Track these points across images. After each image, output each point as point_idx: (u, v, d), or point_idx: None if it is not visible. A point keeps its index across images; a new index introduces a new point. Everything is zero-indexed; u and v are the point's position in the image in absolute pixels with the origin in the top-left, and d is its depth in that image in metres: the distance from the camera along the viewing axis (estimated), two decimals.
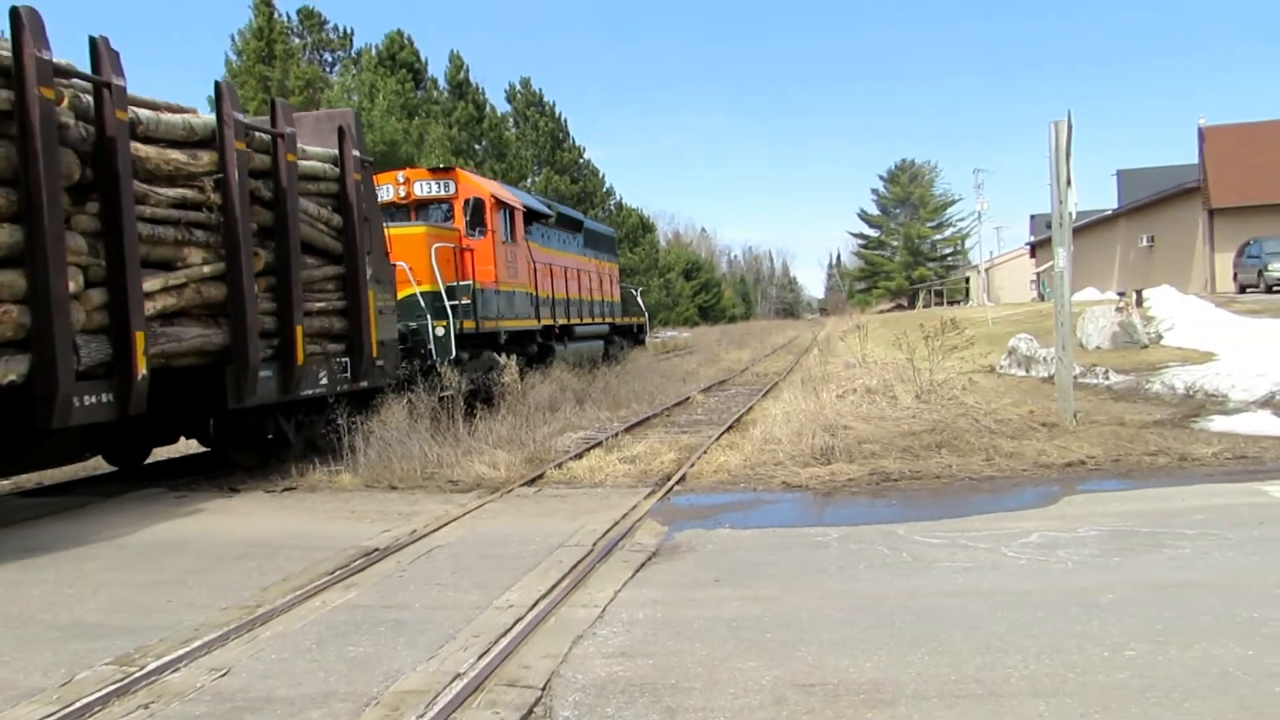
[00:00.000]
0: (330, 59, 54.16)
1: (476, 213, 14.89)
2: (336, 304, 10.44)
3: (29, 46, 6.72)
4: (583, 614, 4.73)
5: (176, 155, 8.30)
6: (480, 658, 4.14)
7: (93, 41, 7.55)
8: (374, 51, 49.81)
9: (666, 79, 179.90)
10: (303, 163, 9.88)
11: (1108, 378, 13.64)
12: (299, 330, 9.42)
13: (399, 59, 49.13)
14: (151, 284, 7.85)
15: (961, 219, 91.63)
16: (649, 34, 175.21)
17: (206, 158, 8.55)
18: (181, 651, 4.35)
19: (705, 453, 9.55)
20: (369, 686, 3.89)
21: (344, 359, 10.46)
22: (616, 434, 11.24)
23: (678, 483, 8.26)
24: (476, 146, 51.60)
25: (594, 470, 8.94)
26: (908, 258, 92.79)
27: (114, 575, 5.95)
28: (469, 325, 13.82)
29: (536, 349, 17.14)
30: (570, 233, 20.96)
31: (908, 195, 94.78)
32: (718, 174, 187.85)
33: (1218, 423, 9.60)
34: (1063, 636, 4.10)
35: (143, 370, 7.54)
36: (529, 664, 4.07)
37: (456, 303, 13.32)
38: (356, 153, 10.83)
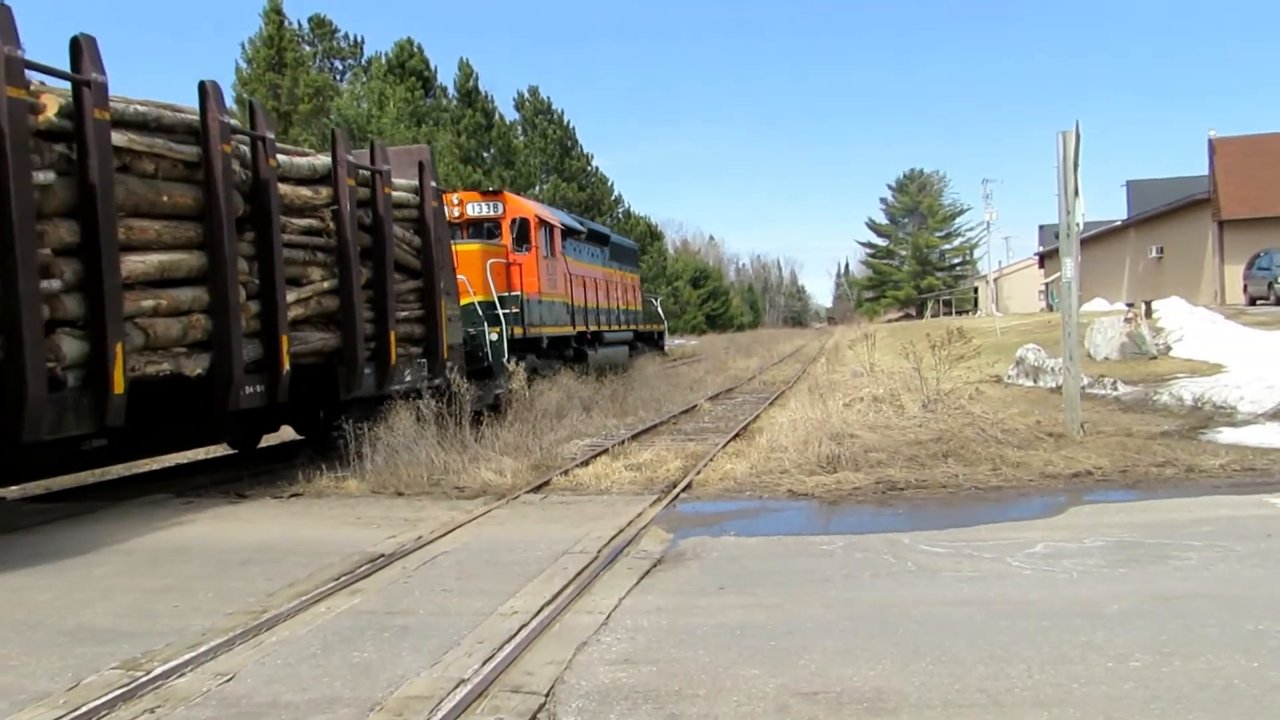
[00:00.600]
0: (341, 67, 54.42)
1: (522, 231, 16.65)
2: (416, 313, 12.11)
3: (213, 113, 8.58)
4: (587, 621, 4.74)
5: (305, 191, 10.10)
6: (484, 664, 4.16)
7: (251, 104, 9.97)
8: (384, 59, 50.02)
9: (674, 87, 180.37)
10: (394, 194, 11.56)
11: (1115, 388, 13.61)
12: (392, 335, 11.14)
13: (408, 67, 49.33)
14: (289, 297, 9.52)
15: (970, 229, 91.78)
16: (658, 42, 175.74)
17: (325, 192, 10.34)
18: (187, 656, 4.37)
19: (711, 460, 9.56)
20: (373, 692, 3.90)
21: (422, 360, 12.10)
22: (623, 441, 11.25)
23: (683, 490, 8.27)
24: (485, 154, 51.77)
25: (600, 477, 8.95)
26: (916, 267, 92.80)
27: (121, 580, 5.98)
28: (518, 331, 15.32)
29: (572, 353, 18.64)
30: (599, 246, 22.66)
31: (916, 205, 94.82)
32: (726, 182, 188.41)
33: (1226, 434, 9.58)
34: (1067, 647, 4.09)
35: (286, 367, 9.31)
36: (533, 670, 4.08)
37: (507, 311, 14.81)
38: (433, 183, 12.63)
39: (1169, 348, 18.80)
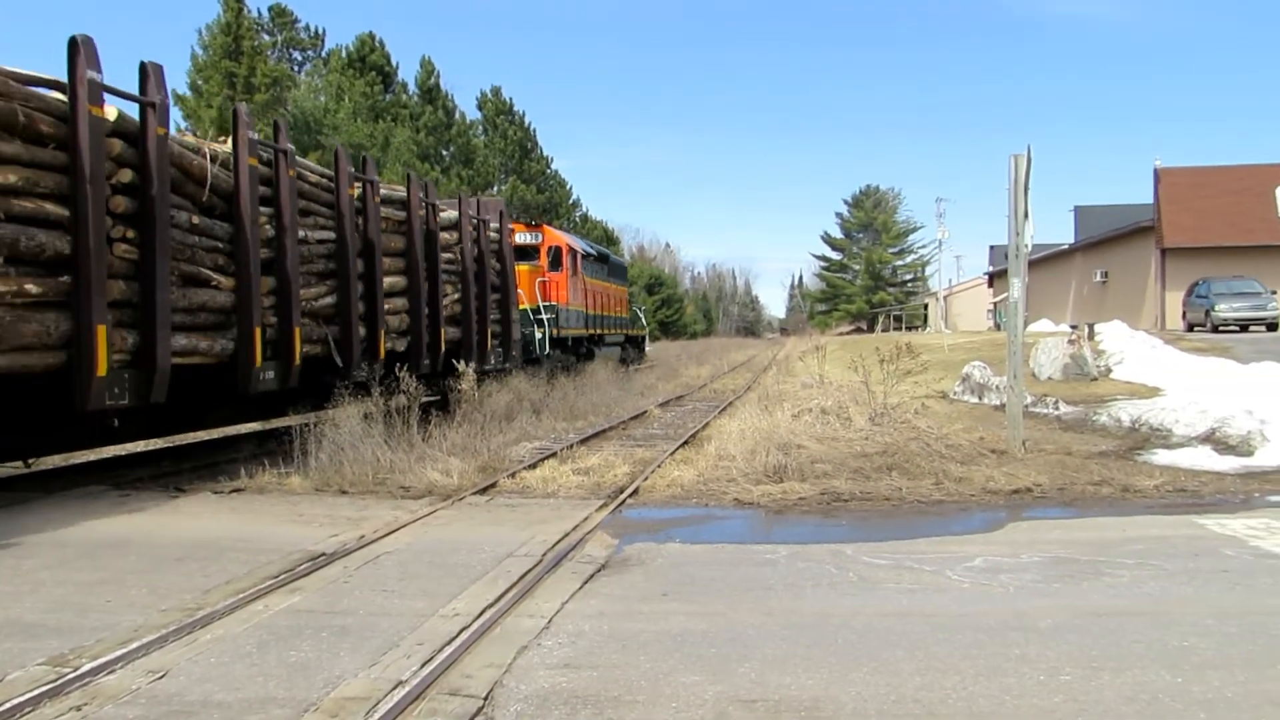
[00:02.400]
0: (300, 58, 53.77)
1: (556, 256, 21.80)
2: (497, 317, 16.94)
3: (414, 193, 13.50)
4: (529, 624, 4.72)
5: (446, 235, 14.85)
6: (423, 666, 4.12)
7: (426, 185, 14.38)
8: (344, 53, 49.50)
9: (635, 93, 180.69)
10: (490, 234, 16.71)
11: (1057, 408, 13.89)
12: (488, 331, 16.31)
13: (369, 61, 48.91)
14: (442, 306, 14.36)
15: (923, 246, 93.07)
16: (621, 47, 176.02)
17: (454, 235, 15.17)
18: (118, 653, 4.27)
19: (659, 467, 9.58)
20: (309, 692, 3.85)
21: (500, 349, 17.03)
22: (572, 445, 11.25)
23: (630, 496, 8.28)
24: (444, 152, 51.46)
25: (547, 481, 8.93)
26: (869, 282, 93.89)
27: (52, 574, 5.83)
28: (554, 332, 20.37)
29: (585, 349, 23.71)
30: (602, 265, 27.91)
31: (871, 220, 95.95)
32: (684, 190, 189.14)
33: (1160, 456, 9.81)
34: (1001, 659, 4.17)
35: (443, 348, 14.29)
36: (472, 673, 4.06)
37: (548, 317, 20.00)
38: (509, 226, 18.33)
39: (1110, 370, 19.24)
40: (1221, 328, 27.67)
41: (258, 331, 9.76)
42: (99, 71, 7.74)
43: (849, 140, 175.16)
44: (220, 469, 9.90)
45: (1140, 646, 4.30)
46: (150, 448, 11.99)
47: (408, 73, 53.29)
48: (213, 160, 9.37)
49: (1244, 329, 27.43)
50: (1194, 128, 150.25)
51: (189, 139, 9.82)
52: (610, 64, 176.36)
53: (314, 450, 9.46)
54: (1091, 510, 7.57)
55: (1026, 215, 10.05)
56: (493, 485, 8.83)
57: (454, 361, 13.85)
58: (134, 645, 4.37)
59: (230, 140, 9.74)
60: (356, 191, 11.96)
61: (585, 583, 5.53)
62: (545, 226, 22.68)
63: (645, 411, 16.03)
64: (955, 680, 3.92)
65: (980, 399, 15.84)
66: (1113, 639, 4.41)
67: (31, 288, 7.39)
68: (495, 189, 53.92)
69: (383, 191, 12.85)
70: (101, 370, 7.78)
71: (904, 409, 10.81)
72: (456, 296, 15.03)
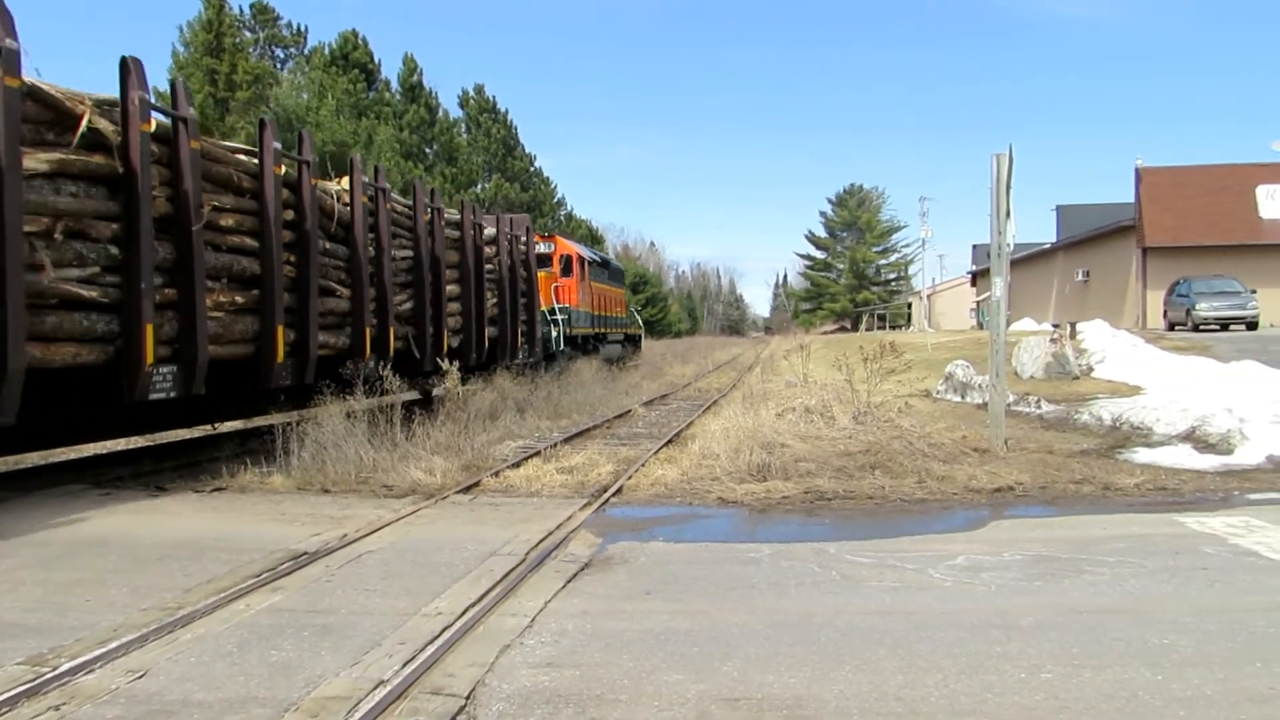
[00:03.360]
0: (283, 55, 53.43)
1: (567, 263, 24.35)
2: (524, 317, 19.55)
3: (467, 218, 16.30)
4: (511, 623, 4.71)
5: (488, 249, 17.47)
6: (405, 665, 4.11)
7: (470, 204, 17.30)
8: (327, 50, 49.26)
9: (619, 92, 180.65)
10: (520, 247, 19.50)
11: (1040, 407, 13.97)
12: (519, 330, 19.02)
13: (352, 59, 48.69)
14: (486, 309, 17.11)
15: (906, 245, 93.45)
16: (605, 46, 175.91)
17: (493, 249, 17.81)
18: (97, 652, 4.24)
19: (643, 466, 9.58)
20: (290, 692, 3.83)
21: (527, 345, 19.55)
22: (556, 444, 11.24)
23: (614, 495, 8.27)
24: (427, 150, 51.30)
25: (531, 479, 8.92)
26: (853, 281, 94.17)
27: (31, 573, 5.78)
28: (567, 331, 23.00)
29: (591, 346, 26.13)
30: (604, 270, 30.56)
31: (855, 219, 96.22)
32: (669, 188, 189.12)
33: (1141, 454, 9.88)
34: (982, 657, 4.19)
35: (486, 344, 16.88)
36: (454, 672, 4.04)
37: (562, 318, 22.64)
38: (536, 239, 21.61)
39: (1091, 369, 19.36)
40: (1202, 327, 27.90)
41: (367, 330, 12.28)
42: (278, 141, 10.51)
43: (833, 140, 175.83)
44: (202, 468, 9.84)
45: (1121, 644, 4.33)
46: (131, 446, 11.89)
47: (390, 70, 53.14)
48: (336, 199, 12.01)
49: (1224, 328, 27.66)
50: (1174, 127, 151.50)
51: (324, 184, 12.13)
52: (595, 63, 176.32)
53: (296, 449, 9.41)
54: (1073, 509, 7.61)
55: (1009, 214, 10.10)
56: (476, 484, 8.81)
57: (490, 354, 17.14)
58: (113, 645, 4.34)
59: (348, 181, 12.35)
60: (428, 217, 14.47)
61: (568, 582, 5.52)
62: (557, 237, 25.90)
63: (630, 410, 16.03)
64: (937, 678, 3.94)
65: (963, 398, 15.91)
66: (1093, 637, 4.44)
67: (239, 299, 9.90)
68: (479, 187, 53.81)
69: (445, 215, 15.55)
70: (280, 359, 10.36)
71: (887, 408, 10.84)
72: (494, 301, 17.73)
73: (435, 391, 12.34)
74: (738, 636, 4.51)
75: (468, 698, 3.76)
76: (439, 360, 13.63)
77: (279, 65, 51.78)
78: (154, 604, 5.05)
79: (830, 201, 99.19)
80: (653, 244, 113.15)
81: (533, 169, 61.56)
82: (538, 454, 10.33)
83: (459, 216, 16.07)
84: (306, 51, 52.21)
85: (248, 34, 50.03)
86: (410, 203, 14.31)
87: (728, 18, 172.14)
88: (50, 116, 7.84)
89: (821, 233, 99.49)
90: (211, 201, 9.40)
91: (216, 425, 12.31)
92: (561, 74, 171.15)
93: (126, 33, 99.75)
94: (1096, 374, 18.92)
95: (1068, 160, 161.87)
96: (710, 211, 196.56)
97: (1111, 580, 5.45)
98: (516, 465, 9.66)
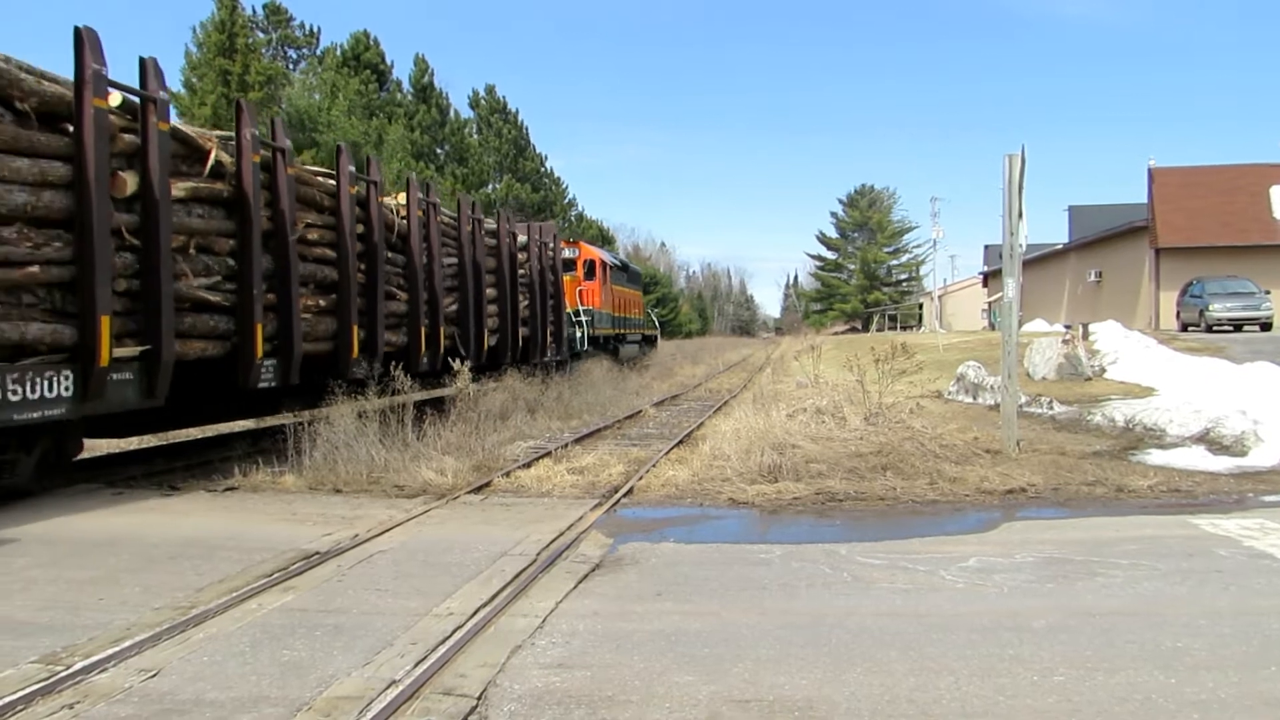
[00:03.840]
0: (295, 56, 53.57)
1: (590, 268, 25.84)
2: (552, 318, 20.80)
3: (503, 221, 17.84)
4: (522, 624, 4.72)
5: (521, 255, 18.99)
6: (417, 665, 4.11)
7: (506, 214, 19.07)
8: (339, 51, 49.39)
9: (629, 91, 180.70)
10: (549, 253, 20.88)
11: (1051, 408, 13.91)
12: (548, 330, 20.32)
13: (364, 59, 48.82)
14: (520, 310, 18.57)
15: (918, 246, 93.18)
16: (616, 45, 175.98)
17: (525, 255, 19.25)
18: (111, 651, 4.26)
19: (654, 466, 9.58)
20: (302, 691, 3.84)
21: (554, 345, 20.78)
22: (566, 444, 11.24)
23: (625, 495, 8.27)
24: (439, 150, 51.40)
25: (542, 480, 8.92)
26: (864, 281, 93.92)
27: (44, 572, 5.81)
28: (590, 331, 24.39)
29: (612, 346, 27.59)
30: (623, 273, 32.17)
31: (866, 220, 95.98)
32: (679, 189, 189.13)
33: (1154, 456, 9.83)
34: (994, 660, 4.17)
35: (520, 342, 18.29)
36: (466, 672, 4.05)
37: (586, 319, 24.06)
38: (560, 245, 22.65)
39: (1104, 370, 19.26)
40: (1215, 328, 27.72)
41: (421, 330, 13.82)
42: (353, 164, 12.13)
43: (844, 140, 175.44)
44: (214, 467, 9.88)
45: (1134, 647, 4.31)
46: (144, 445, 11.96)
47: (402, 71, 53.29)
48: (395, 213, 13.45)
49: (1238, 329, 27.48)
50: (1188, 127, 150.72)
51: (387, 200, 13.50)
52: (605, 63, 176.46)
53: (308, 449, 9.44)
54: (1085, 510, 7.58)
55: (1021, 215, 10.06)
56: (487, 484, 8.82)
57: (512, 354, 18.23)
58: (127, 644, 4.36)
59: (404, 197, 13.85)
60: (470, 227, 15.84)
61: (579, 582, 5.53)
62: (581, 243, 27.57)
63: (640, 411, 16.03)
64: (949, 681, 3.92)
65: (975, 399, 15.85)
66: (1106, 639, 4.42)
67: (321, 302, 11.46)
68: (490, 188, 53.88)
69: (484, 225, 17.00)
70: (355, 354, 11.93)
71: (899, 409, 10.82)
72: (526, 303, 19.05)
73: (448, 391, 12.91)
74: (749, 638, 4.51)
75: (479, 698, 3.77)
76: (481, 357, 15.86)
77: (291, 66, 51.94)
78: (166, 603, 5.07)
79: (841, 202, 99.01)
80: (663, 244, 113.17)
81: (543, 169, 61.60)
82: (548, 454, 10.34)
83: (495, 225, 17.56)
84: (319, 52, 52.37)
85: (260, 34, 50.21)
86: (455, 214, 15.83)
87: (739, 17, 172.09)
88: (185, 152, 9.36)
89: (832, 233, 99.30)
90: (302, 219, 11.01)
91: (261, 420, 13.09)
92: (571, 74, 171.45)
93: (135, 30, 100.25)
94: (1109, 375, 18.82)
95: (1080, 161, 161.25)
96: (721, 212, 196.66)
97: (1124, 582, 5.43)
98: (527, 466, 9.67)
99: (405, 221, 13.55)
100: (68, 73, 8.00)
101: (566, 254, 24.04)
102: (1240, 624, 4.62)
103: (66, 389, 7.79)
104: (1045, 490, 8.22)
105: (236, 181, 9.80)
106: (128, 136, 8.46)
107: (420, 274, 13.77)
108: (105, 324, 7.96)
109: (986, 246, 64.91)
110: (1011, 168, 10.07)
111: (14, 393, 7.30)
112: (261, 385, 10.11)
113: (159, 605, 5.03)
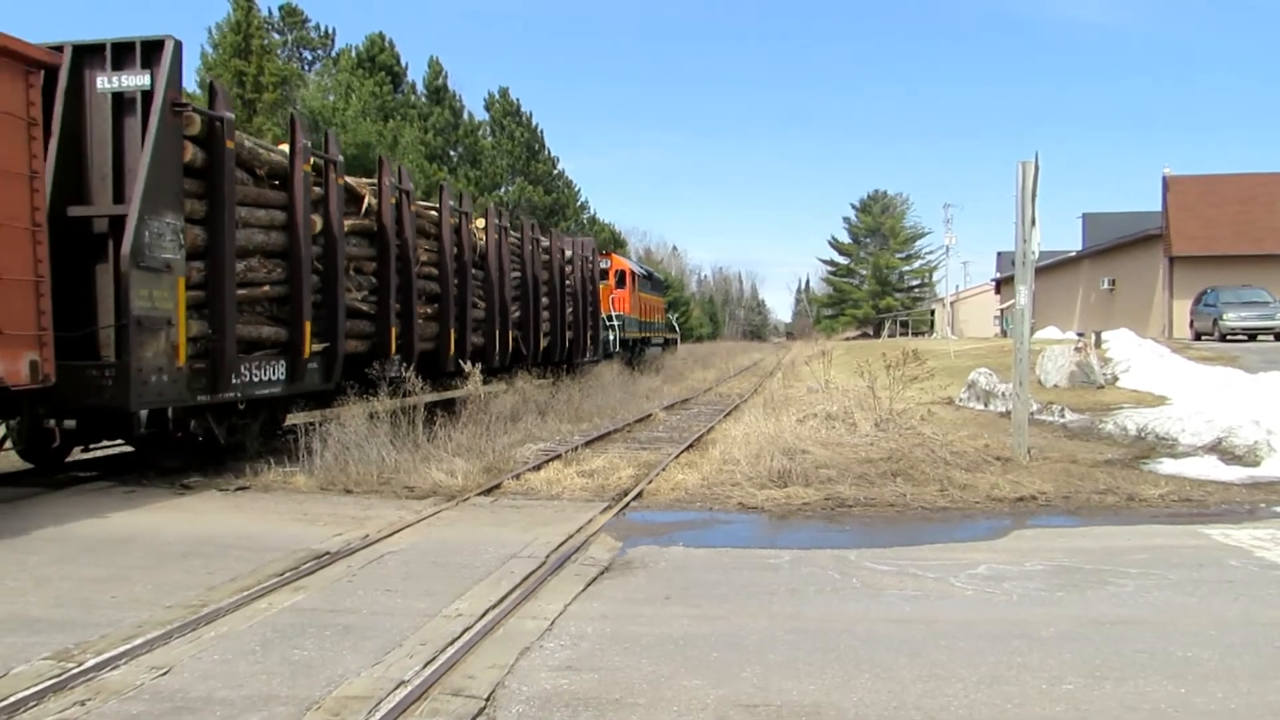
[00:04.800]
0: (310, 57, 53.78)
1: (620, 277, 28.56)
2: (591, 323, 23.20)
3: (555, 238, 21.00)
4: (531, 626, 4.73)
5: (568, 268, 21.31)
6: (426, 665, 4.13)
7: (558, 233, 22.97)
8: (354, 52, 49.57)
9: (643, 94, 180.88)
10: (589, 265, 23.40)
11: (1063, 416, 13.86)
12: (588, 334, 22.76)
13: (378, 61, 48.99)
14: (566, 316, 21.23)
15: (930, 252, 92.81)
16: (630, 48, 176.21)
17: (571, 268, 21.55)
18: (122, 649, 4.29)
19: (664, 470, 9.58)
20: (311, 690, 3.87)
21: (592, 347, 23.17)
22: (576, 447, 11.26)
23: (634, 499, 8.28)
24: (452, 153, 51.53)
25: (551, 482, 8.94)
26: (876, 287, 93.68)
27: (57, 569, 5.86)
28: (620, 335, 27.31)
29: (639, 348, 30.25)
30: (648, 281, 34.69)
31: (879, 225, 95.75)
32: (691, 193, 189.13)
33: (1166, 465, 9.79)
34: (1003, 667, 4.16)
35: (566, 344, 20.81)
36: (474, 674, 4.06)
37: (617, 324, 26.95)
38: (598, 257, 25.53)
39: (1116, 378, 19.18)
40: (1229, 337, 27.55)
41: (496, 333, 16.28)
42: (453, 198, 15.09)
43: (857, 145, 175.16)
44: (226, 466, 9.93)
45: (1143, 656, 4.30)
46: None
47: (416, 73, 53.50)
48: (477, 236, 15.90)
49: (1252, 338, 27.30)
50: (1204, 135, 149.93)
51: (475, 225, 16.03)
52: (618, 66, 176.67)
53: (319, 449, 9.47)
54: (1096, 519, 7.55)
55: (1034, 222, 10.04)
56: (497, 486, 8.85)
57: (566, 354, 21.07)
58: (138, 641, 4.39)
59: (484, 222, 16.42)
60: (530, 245, 18.49)
61: (588, 585, 5.54)
62: (613, 254, 31.00)
63: (650, 415, 16.04)
64: (957, 688, 3.92)
65: (986, 406, 15.81)
66: (1116, 648, 4.40)
67: (428, 310, 14.04)
68: (503, 190, 53.99)
69: (541, 242, 19.60)
70: (452, 352, 14.40)
71: (909, 415, 10.80)
72: (571, 309, 21.48)
73: (458, 394, 13.34)
74: (757, 642, 4.51)
75: (487, 699, 3.78)
76: (538, 356, 18.93)
77: (306, 67, 52.13)
78: (178, 601, 5.10)
79: (854, 207, 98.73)
80: (675, 248, 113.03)
81: (556, 172, 61.63)
82: (559, 457, 10.36)
83: (549, 242, 20.13)
84: (334, 54, 52.56)
85: (276, 36, 50.44)
86: (519, 235, 18.62)
87: (751, 20, 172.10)
88: (347, 196, 11.82)
89: (845, 238, 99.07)
90: (420, 245, 13.55)
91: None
92: (584, 77, 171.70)
93: (146, 28, 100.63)
94: (1121, 383, 18.74)
95: (1094, 168, 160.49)
96: (733, 216, 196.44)
97: (1135, 592, 5.41)
98: (537, 468, 9.69)
99: (484, 243, 16.19)
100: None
101: (601, 264, 26.37)
102: (1251, 634, 4.60)
103: (281, 374, 10.32)
104: (1056, 498, 8.19)
105: (378, 218, 12.43)
106: (317, 189, 10.99)
107: (495, 286, 16.32)
108: (307, 327, 10.62)
109: (999, 253, 64.66)
110: (1025, 174, 10.05)
111: (255, 375, 9.86)
112: (390, 375, 12.32)
113: (170, 603, 5.06)
